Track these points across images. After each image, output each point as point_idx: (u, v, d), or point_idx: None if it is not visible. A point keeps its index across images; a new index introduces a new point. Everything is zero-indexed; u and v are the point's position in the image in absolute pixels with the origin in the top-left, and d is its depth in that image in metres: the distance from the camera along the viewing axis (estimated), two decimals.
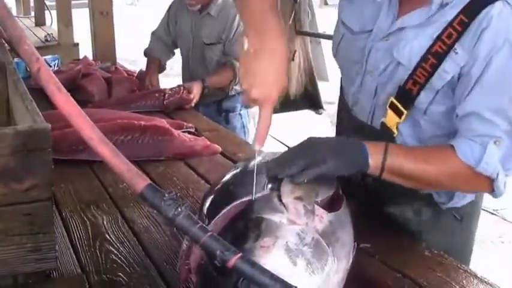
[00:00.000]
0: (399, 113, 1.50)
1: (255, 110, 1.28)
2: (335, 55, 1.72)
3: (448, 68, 1.40)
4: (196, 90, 3.19)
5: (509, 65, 1.34)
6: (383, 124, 1.55)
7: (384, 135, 1.52)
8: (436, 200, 1.63)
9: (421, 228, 1.66)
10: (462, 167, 1.38)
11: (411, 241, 1.58)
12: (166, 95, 3.06)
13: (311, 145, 1.34)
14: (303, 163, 1.28)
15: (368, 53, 1.57)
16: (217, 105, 3.53)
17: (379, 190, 1.60)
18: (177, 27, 3.59)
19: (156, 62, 3.64)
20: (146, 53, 3.69)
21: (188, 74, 3.58)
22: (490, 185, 1.40)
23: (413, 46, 1.45)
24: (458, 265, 1.45)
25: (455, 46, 1.38)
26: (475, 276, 1.40)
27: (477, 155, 1.36)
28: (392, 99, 1.50)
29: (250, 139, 3.37)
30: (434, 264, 1.45)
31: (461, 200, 1.64)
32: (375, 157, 1.35)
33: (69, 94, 1.08)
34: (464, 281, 1.38)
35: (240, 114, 3.58)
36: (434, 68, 1.41)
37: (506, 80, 1.35)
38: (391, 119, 1.52)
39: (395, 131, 1.52)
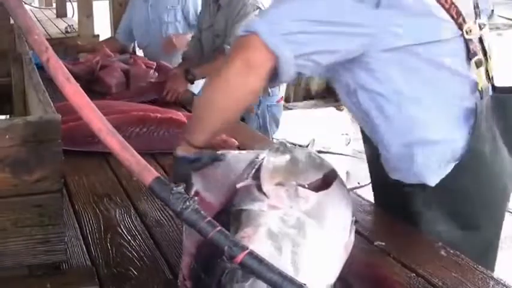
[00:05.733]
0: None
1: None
2: None
3: None
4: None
5: None
6: None
7: None
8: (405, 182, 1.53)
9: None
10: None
11: (426, 240, 1.54)
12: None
13: None
14: None
15: None
16: None
17: None
18: None
19: None
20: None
21: None
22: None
23: None
24: (475, 266, 1.41)
25: None
26: (491, 277, 1.37)
27: None
28: None
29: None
30: (450, 264, 1.42)
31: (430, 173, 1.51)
32: None
33: (78, 85, 1.06)
34: (480, 282, 1.35)
35: (257, 114, 3.57)
36: None
37: None
38: None
39: None
